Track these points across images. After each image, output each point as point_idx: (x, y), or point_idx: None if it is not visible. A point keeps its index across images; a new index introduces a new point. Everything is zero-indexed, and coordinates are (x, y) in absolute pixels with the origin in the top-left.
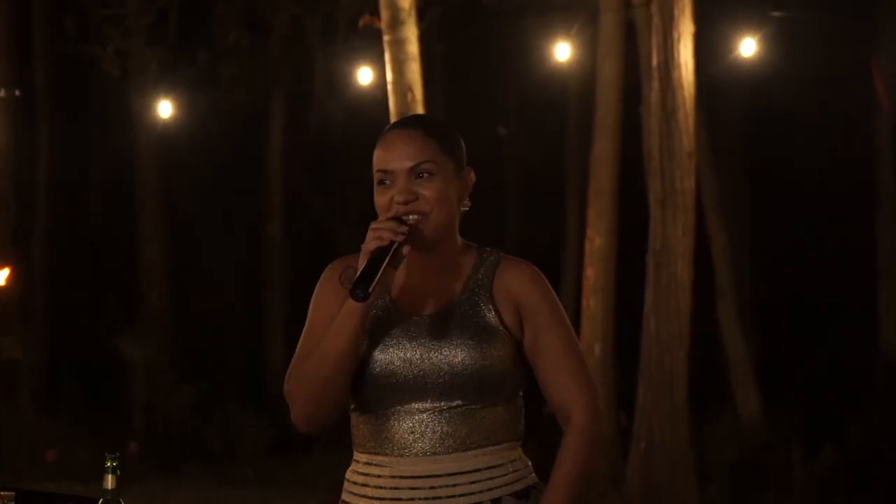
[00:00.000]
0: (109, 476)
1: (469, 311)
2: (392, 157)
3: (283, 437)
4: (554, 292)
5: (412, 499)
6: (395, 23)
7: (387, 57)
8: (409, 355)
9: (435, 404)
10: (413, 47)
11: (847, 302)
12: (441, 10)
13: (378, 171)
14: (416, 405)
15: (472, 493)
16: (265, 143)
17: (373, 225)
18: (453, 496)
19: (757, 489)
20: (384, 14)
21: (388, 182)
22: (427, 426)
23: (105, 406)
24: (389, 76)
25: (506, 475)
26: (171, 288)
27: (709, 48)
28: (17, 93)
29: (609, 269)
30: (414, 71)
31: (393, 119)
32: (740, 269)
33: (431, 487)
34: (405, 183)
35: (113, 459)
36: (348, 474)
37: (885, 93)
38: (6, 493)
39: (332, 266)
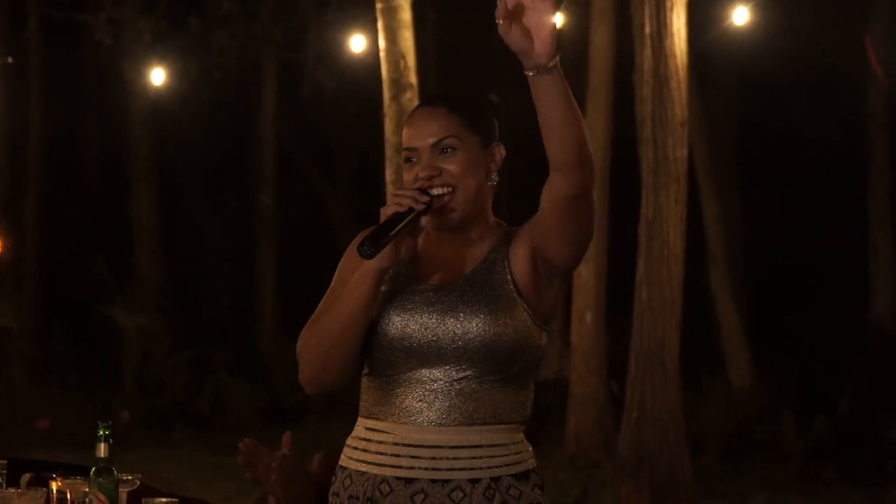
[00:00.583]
0: (102, 444)
1: (487, 280)
2: (416, 135)
3: (275, 404)
4: None
5: (412, 467)
6: None
7: (379, 24)
8: (425, 319)
9: (447, 373)
10: (406, 15)
11: (839, 270)
12: None
13: (405, 148)
14: (427, 373)
15: (472, 469)
16: (257, 111)
17: (395, 191)
18: (453, 469)
19: (748, 456)
20: None
21: (413, 159)
22: (436, 396)
23: (97, 374)
24: (382, 44)
25: (507, 455)
26: (163, 255)
27: (702, 16)
28: (10, 60)
29: (601, 238)
30: (407, 38)
31: (385, 87)
32: (732, 237)
33: (433, 458)
34: (429, 159)
35: (106, 428)
36: (349, 440)
37: (878, 62)
38: None
39: (361, 234)
